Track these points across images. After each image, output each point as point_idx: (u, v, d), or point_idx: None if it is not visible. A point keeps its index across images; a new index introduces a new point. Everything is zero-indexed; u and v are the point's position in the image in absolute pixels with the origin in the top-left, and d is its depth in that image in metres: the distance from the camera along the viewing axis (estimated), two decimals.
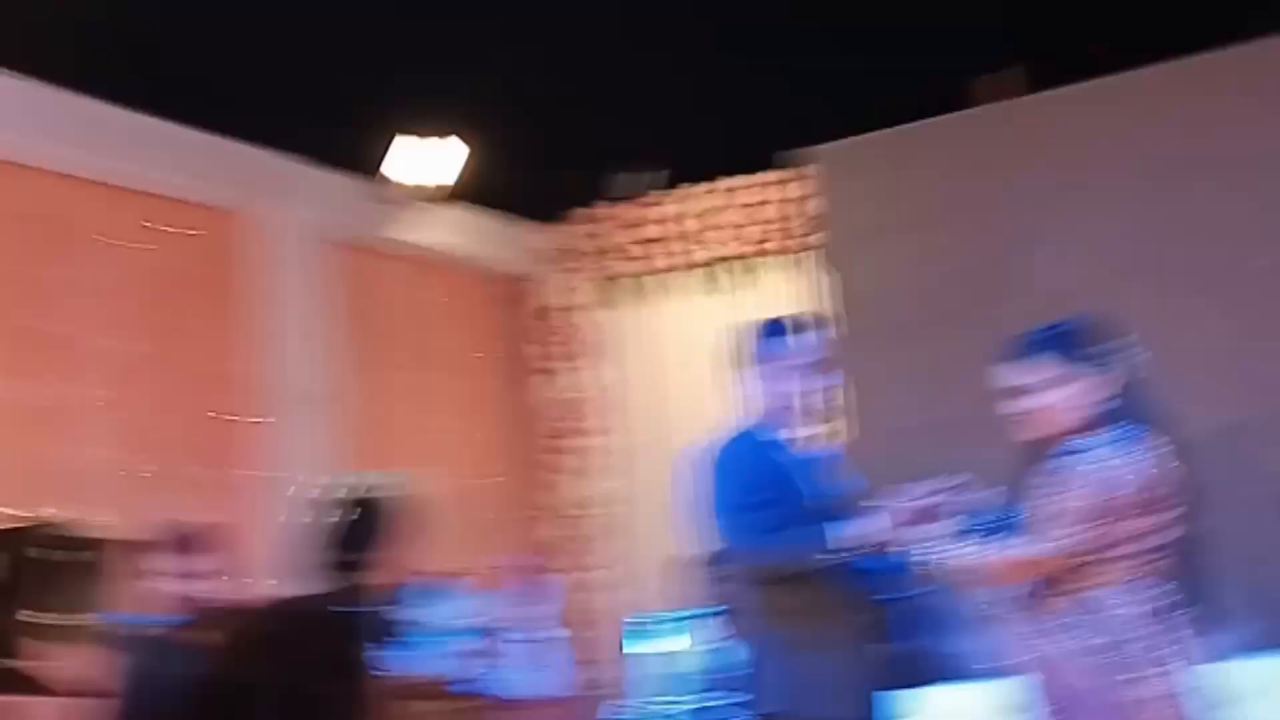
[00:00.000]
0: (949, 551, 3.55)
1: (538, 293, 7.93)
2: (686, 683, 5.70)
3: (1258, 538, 5.65)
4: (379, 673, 1.30)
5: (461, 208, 7.48)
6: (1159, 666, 3.48)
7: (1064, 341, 3.62)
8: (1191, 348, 5.99)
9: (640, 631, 6.07)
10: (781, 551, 3.74)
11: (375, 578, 1.49)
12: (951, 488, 3.68)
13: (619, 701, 5.79)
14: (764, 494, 3.77)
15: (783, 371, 3.90)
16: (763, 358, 3.94)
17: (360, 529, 1.49)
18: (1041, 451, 3.68)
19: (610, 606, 7.57)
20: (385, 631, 1.44)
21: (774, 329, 3.98)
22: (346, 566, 1.50)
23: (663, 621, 6.09)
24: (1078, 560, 3.47)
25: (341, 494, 1.52)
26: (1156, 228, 6.21)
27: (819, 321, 4.04)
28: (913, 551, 3.63)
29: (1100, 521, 3.45)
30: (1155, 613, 3.53)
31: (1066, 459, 3.58)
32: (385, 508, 1.49)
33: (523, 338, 7.94)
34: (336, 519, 1.52)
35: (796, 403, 3.91)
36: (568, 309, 7.87)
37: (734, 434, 4.04)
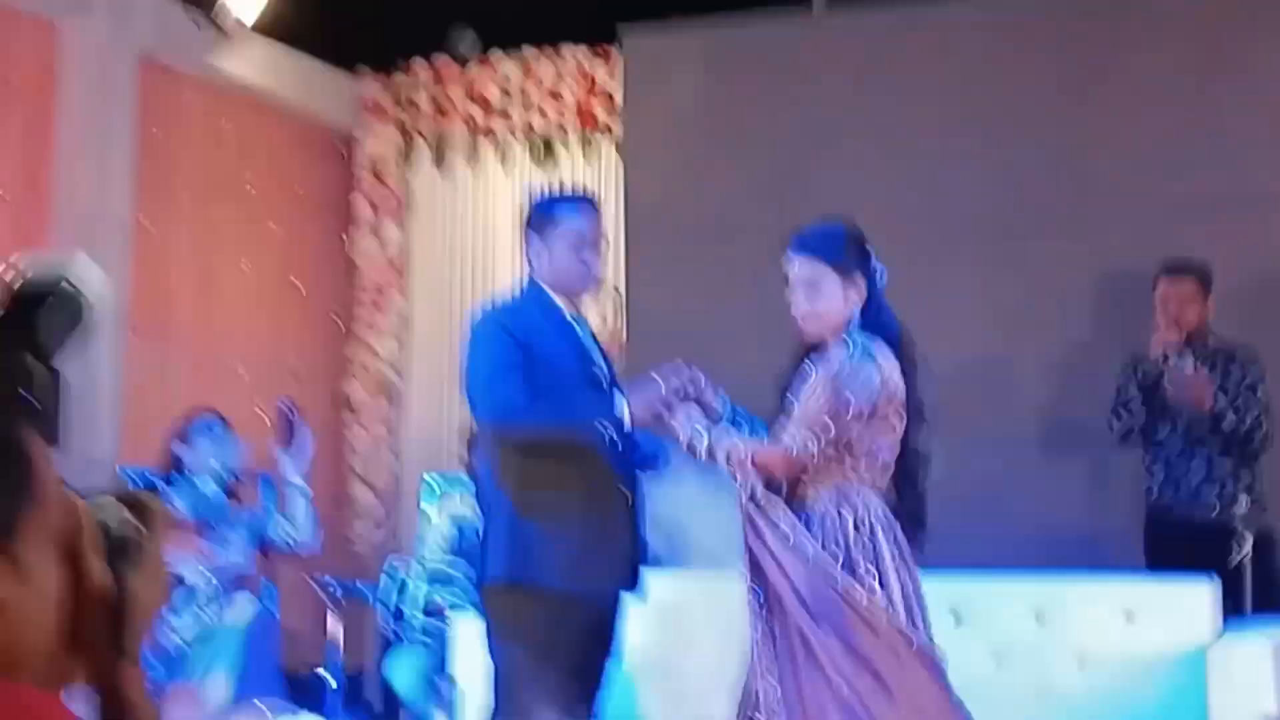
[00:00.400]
0: (706, 435, 3.66)
1: (356, 146, 7.81)
2: (453, 547, 5.76)
3: (1000, 469, 5.90)
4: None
5: (286, 50, 7.31)
6: (876, 575, 3.64)
7: (830, 245, 3.72)
8: (957, 281, 6.19)
9: (428, 493, 6.11)
10: (531, 421, 3.79)
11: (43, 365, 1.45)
12: (696, 378, 3.78)
13: (396, 559, 5.83)
14: (518, 364, 3.81)
15: (559, 242, 3.94)
16: (540, 226, 3.98)
17: (36, 313, 1.45)
18: (804, 353, 3.80)
19: (402, 467, 7.63)
20: (53, 429, 1.42)
21: (553, 200, 4.02)
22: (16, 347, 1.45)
23: (446, 486, 6.15)
24: (813, 461, 3.59)
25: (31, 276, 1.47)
26: (953, 154, 6.34)
27: (595, 201, 4.08)
28: (671, 430, 3.72)
29: (837, 425, 3.58)
30: (875, 522, 3.69)
31: (817, 361, 3.70)
32: (63, 297, 1.46)
33: (339, 190, 7.84)
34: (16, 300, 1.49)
35: (572, 275, 3.95)
36: (382, 165, 7.77)
37: (493, 305, 4.08)
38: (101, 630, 1.34)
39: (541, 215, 4.01)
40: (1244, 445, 5.38)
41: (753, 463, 3.62)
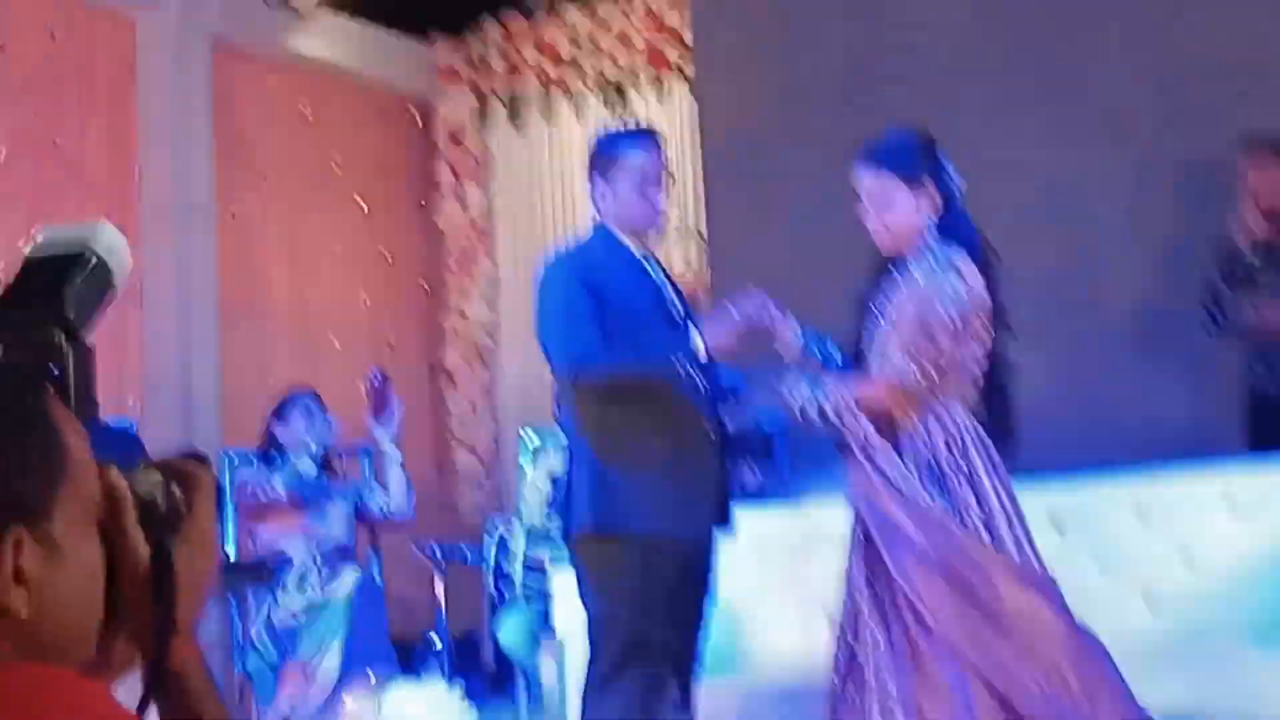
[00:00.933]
0: (815, 400, 3.54)
1: (433, 112, 7.80)
2: (550, 502, 5.74)
3: (1089, 365, 5.72)
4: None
5: (357, 23, 7.32)
6: (973, 495, 3.53)
7: (897, 156, 3.60)
8: (1039, 176, 6.00)
9: (525, 451, 6.12)
10: (606, 365, 3.72)
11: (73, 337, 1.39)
12: (767, 304, 3.67)
13: (497, 519, 5.83)
14: (588, 309, 3.75)
15: (621, 180, 3.86)
16: (602, 166, 3.90)
17: (53, 281, 1.39)
18: (886, 269, 3.69)
19: (500, 429, 7.64)
20: (90, 404, 1.36)
21: (612, 138, 3.95)
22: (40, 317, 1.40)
23: (541, 442, 6.15)
24: (920, 386, 3.48)
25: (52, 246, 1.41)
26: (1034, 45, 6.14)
27: (656, 134, 3.99)
28: (781, 399, 3.60)
29: (934, 344, 3.47)
30: (966, 437, 3.58)
31: (900, 275, 3.59)
32: (86, 264, 1.39)
33: (421, 158, 7.84)
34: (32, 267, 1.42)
35: (636, 212, 3.87)
36: (459, 129, 7.75)
37: (561, 251, 4.03)
38: (147, 607, 1.28)
39: (602, 155, 3.94)
40: None
41: (859, 406, 3.52)
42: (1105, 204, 5.93)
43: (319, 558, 5.28)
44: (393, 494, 5.32)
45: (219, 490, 1.39)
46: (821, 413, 3.51)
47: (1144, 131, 5.83)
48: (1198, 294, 5.19)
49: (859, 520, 3.57)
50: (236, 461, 5.55)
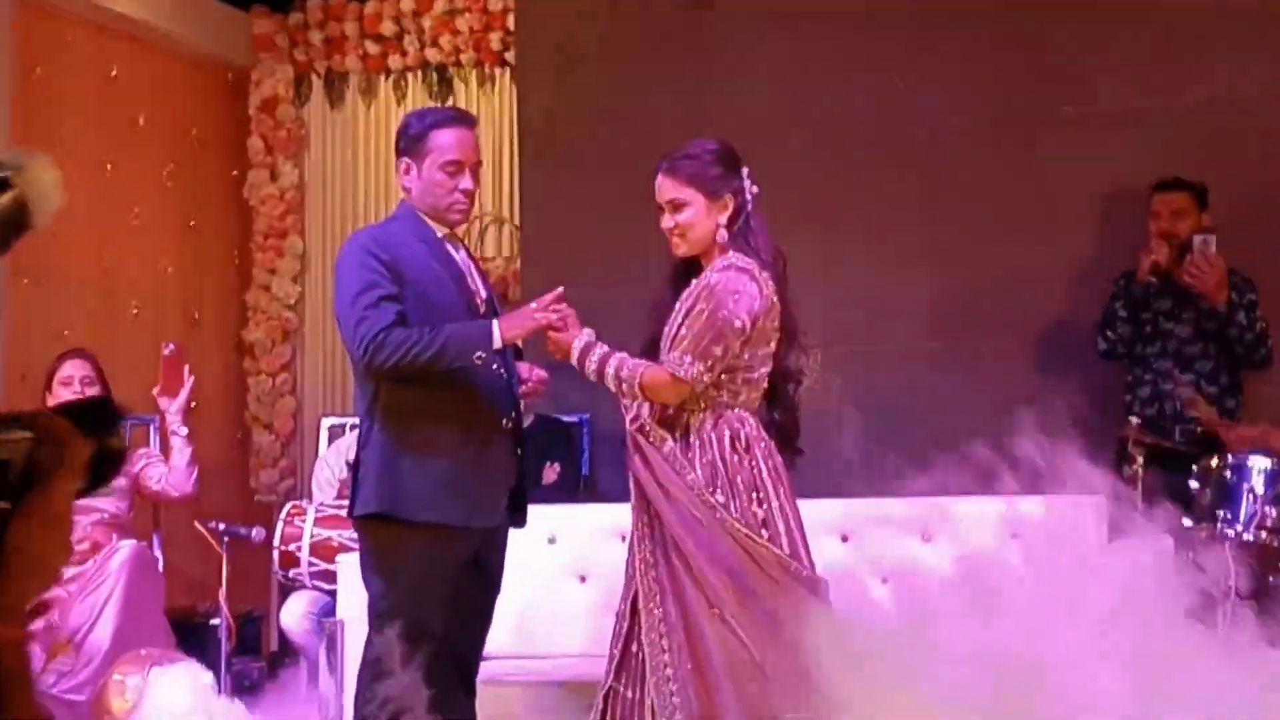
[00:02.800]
0: (597, 351, 3.61)
1: (254, 84, 7.63)
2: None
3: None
4: None
5: None
6: (756, 499, 3.60)
7: (693, 165, 3.70)
8: (850, 206, 6.13)
9: (336, 434, 6.04)
10: (401, 349, 3.67)
11: None
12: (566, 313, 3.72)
13: (292, 503, 5.72)
14: (385, 289, 3.70)
15: (427, 161, 3.82)
16: (410, 148, 3.86)
17: None
18: (685, 273, 3.79)
19: (303, 410, 7.52)
20: None
21: (420, 119, 3.90)
22: None
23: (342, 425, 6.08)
24: (701, 385, 3.56)
25: None
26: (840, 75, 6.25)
27: (471, 119, 3.96)
28: (562, 344, 3.67)
29: (722, 347, 3.55)
30: (753, 443, 3.65)
31: (696, 279, 3.68)
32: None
33: (235, 130, 7.66)
34: None
35: (441, 194, 3.83)
36: (276, 103, 7.60)
37: (361, 231, 3.98)
38: None
39: (411, 135, 3.89)
40: (1251, 352, 5.41)
41: (640, 385, 3.58)
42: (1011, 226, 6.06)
43: (88, 527, 5.14)
44: (174, 470, 5.21)
45: (106, 459, 1.20)
46: (600, 369, 3.61)
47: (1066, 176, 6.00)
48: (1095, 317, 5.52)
49: (639, 504, 3.64)
50: None
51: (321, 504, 5.53)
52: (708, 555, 3.53)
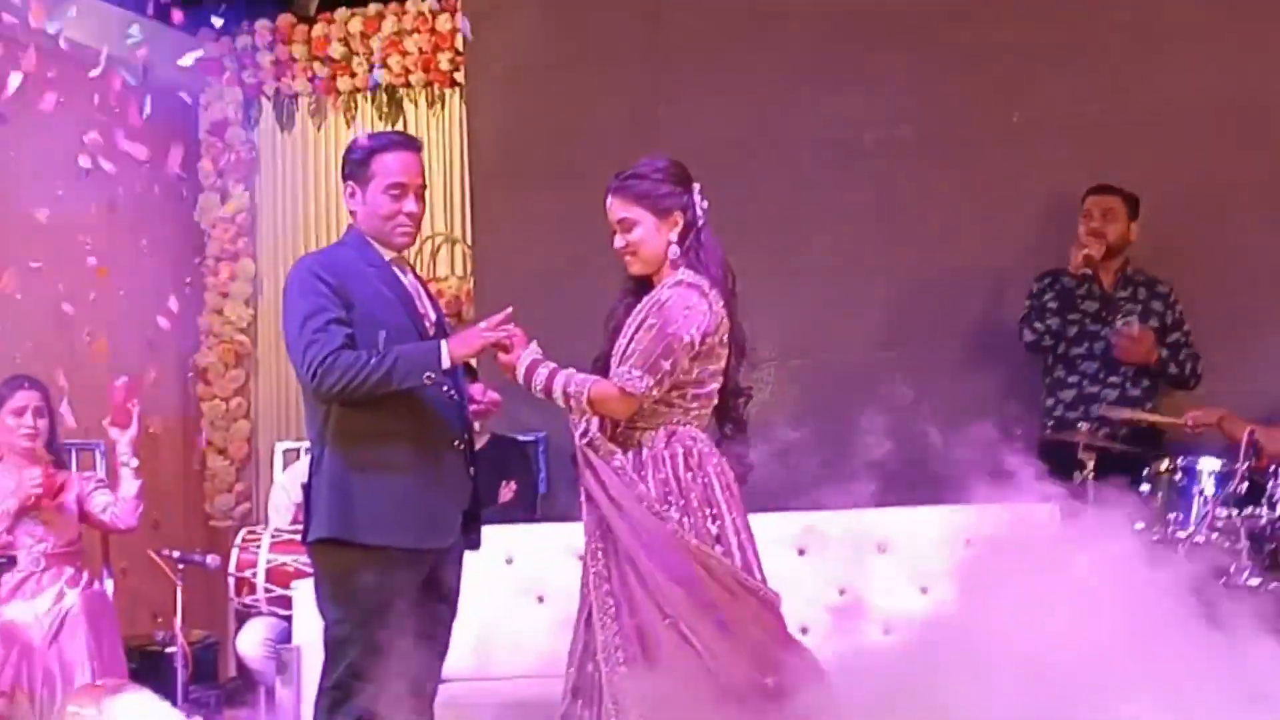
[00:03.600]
0: (545, 368, 3.62)
1: (203, 107, 7.61)
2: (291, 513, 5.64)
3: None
4: None
5: (122, 12, 7.07)
6: (709, 514, 3.61)
7: (643, 184, 3.72)
8: (803, 218, 6.16)
9: (291, 459, 6.01)
10: (349, 372, 3.66)
11: None
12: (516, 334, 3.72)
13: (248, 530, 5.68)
14: (332, 312, 3.69)
15: (372, 185, 3.82)
16: (355, 172, 3.86)
17: None
18: (637, 290, 3.80)
19: (258, 435, 7.48)
20: None
21: (366, 144, 3.89)
22: None
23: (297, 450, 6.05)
24: (650, 399, 3.57)
25: None
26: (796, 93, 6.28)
27: (414, 143, 3.96)
28: (507, 364, 3.68)
29: (670, 362, 3.56)
30: (705, 458, 3.66)
31: (645, 298, 3.69)
32: None
33: (184, 153, 7.62)
34: None
35: (386, 218, 3.83)
36: (225, 127, 7.57)
37: (309, 255, 3.97)
38: None
39: (356, 159, 3.88)
40: (1179, 384, 5.58)
41: (588, 399, 3.58)
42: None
43: (43, 560, 5.10)
44: (121, 502, 5.17)
45: None
46: (548, 385, 3.62)
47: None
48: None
49: (591, 518, 3.66)
50: None
51: (277, 529, 5.50)
52: (660, 566, 3.55)
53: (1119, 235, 5.53)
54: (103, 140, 7.08)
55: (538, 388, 3.65)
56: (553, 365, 3.67)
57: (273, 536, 5.34)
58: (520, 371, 3.67)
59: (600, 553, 3.64)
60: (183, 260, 7.62)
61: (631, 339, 3.66)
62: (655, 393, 3.59)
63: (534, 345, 3.73)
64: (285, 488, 5.77)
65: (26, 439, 5.23)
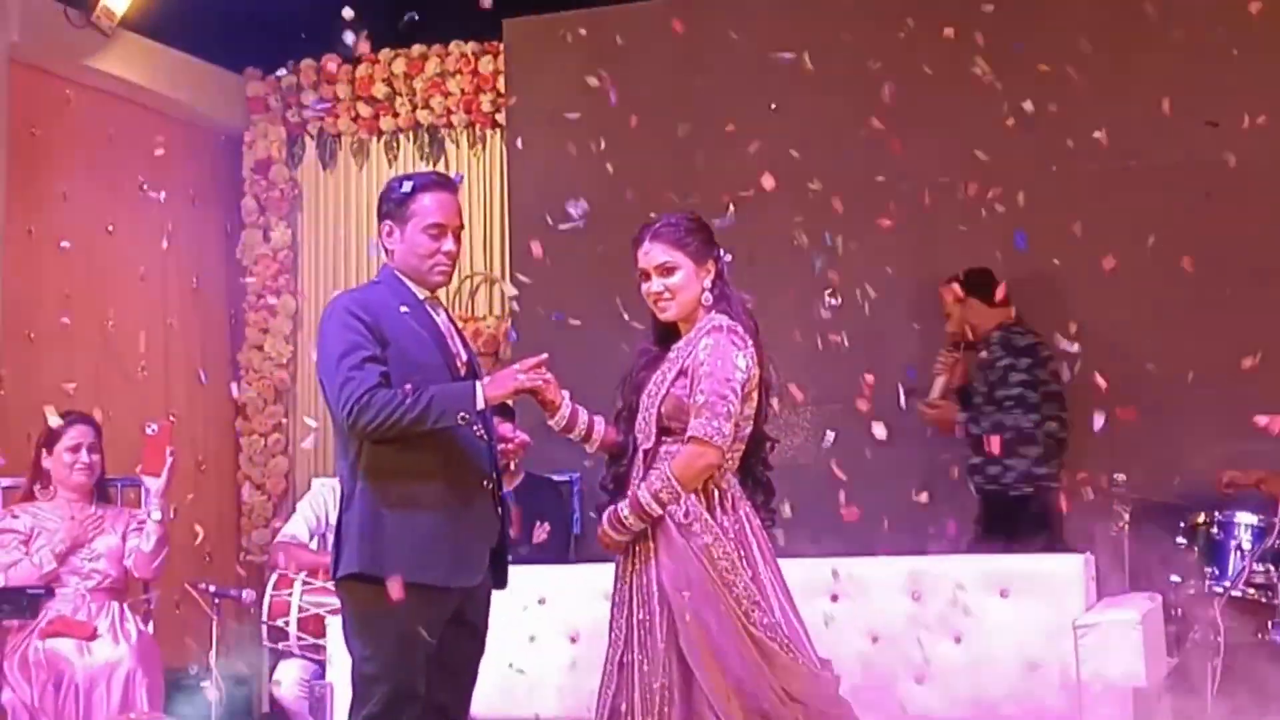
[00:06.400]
0: (630, 514, 3.66)
1: (247, 145, 7.70)
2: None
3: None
4: None
5: (170, 50, 7.19)
6: (748, 568, 3.63)
7: (680, 231, 3.76)
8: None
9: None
10: (383, 410, 3.68)
11: None
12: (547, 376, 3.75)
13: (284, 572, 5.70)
14: (368, 350, 3.72)
15: (410, 224, 3.85)
16: (392, 211, 3.89)
17: None
18: (659, 340, 3.83)
19: (295, 471, 7.52)
20: None
21: (403, 182, 3.92)
22: None
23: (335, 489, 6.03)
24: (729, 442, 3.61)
25: None
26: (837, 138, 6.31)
27: (452, 183, 3.99)
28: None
29: (735, 403, 3.59)
30: (739, 501, 3.69)
31: (686, 342, 3.71)
32: None
33: (229, 191, 7.72)
34: None
35: (422, 257, 3.86)
36: (269, 165, 7.66)
37: (344, 294, 4.00)
38: None
39: (394, 198, 3.91)
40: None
41: (678, 480, 3.62)
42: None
43: (88, 595, 5.15)
44: (139, 553, 5.20)
45: None
46: (644, 515, 3.65)
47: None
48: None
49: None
50: None
51: (293, 535, 5.54)
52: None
53: (966, 317, 5.89)
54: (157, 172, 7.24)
55: (632, 524, 3.65)
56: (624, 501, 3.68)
57: (304, 583, 5.33)
58: (612, 535, 3.68)
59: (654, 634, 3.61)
60: (226, 294, 7.71)
61: (669, 387, 3.68)
62: (731, 438, 3.60)
63: (566, 397, 3.78)
64: (305, 513, 5.77)
65: (83, 475, 5.28)
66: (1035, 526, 5.35)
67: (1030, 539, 5.14)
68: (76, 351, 6.79)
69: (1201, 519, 5.01)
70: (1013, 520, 5.43)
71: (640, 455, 3.74)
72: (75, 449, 5.27)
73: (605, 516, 3.71)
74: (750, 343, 3.72)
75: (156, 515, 5.17)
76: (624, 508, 3.65)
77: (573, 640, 4.88)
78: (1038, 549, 4.94)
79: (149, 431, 5.21)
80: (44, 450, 5.31)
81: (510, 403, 4.65)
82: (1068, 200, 6.09)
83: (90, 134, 7.04)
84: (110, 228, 7.04)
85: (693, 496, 3.62)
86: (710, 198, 5.46)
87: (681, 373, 3.70)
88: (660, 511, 3.61)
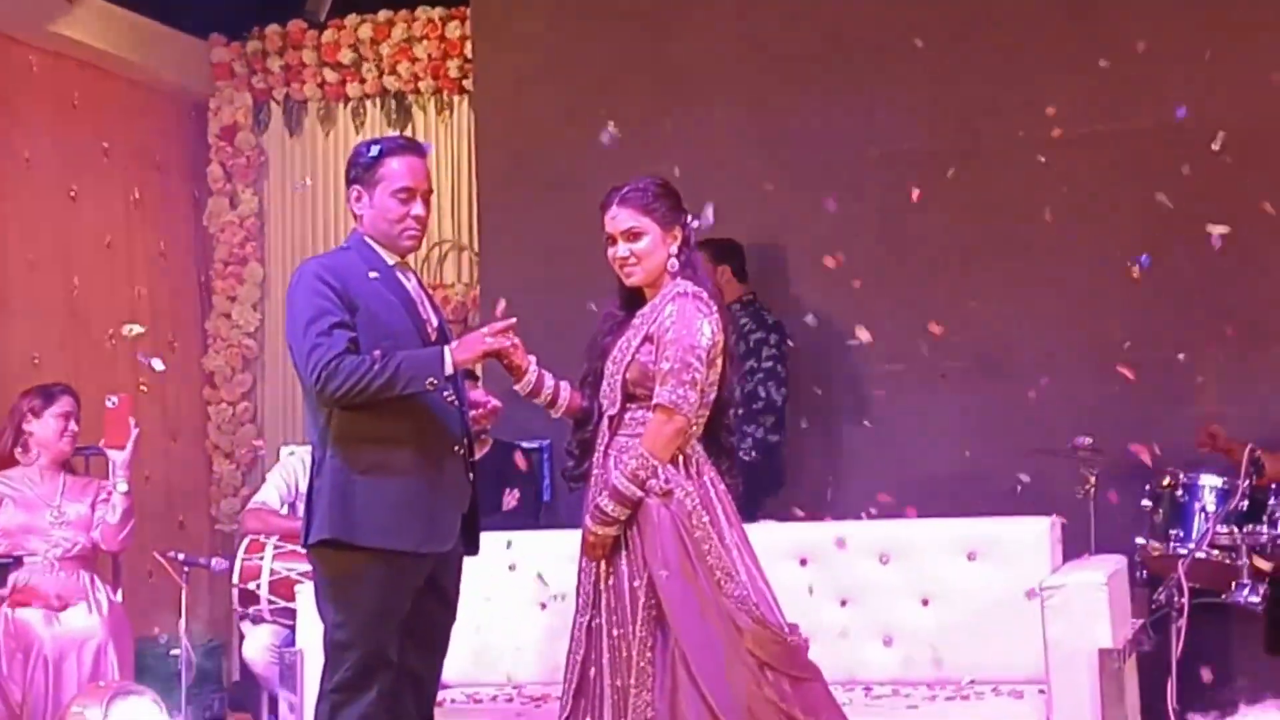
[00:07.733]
0: (614, 504, 3.63)
1: (213, 111, 7.65)
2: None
3: None
4: None
5: (134, 16, 7.12)
6: (714, 521, 3.64)
7: (648, 197, 3.75)
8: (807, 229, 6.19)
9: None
10: (353, 376, 3.68)
11: None
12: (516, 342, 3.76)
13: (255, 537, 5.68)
14: (337, 316, 3.71)
15: (378, 189, 3.84)
16: (361, 176, 3.88)
17: None
18: (629, 305, 3.83)
19: (264, 439, 7.50)
20: None
21: (371, 147, 3.91)
22: None
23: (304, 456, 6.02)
24: (694, 409, 3.61)
25: None
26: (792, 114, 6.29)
27: (421, 147, 3.97)
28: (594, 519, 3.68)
29: (700, 369, 3.59)
30: (703, 466, 3.70)
31: (652, 308, 3.71)
32: None
33: (195, 157, 7.66)
34: None
35: (391, 222, 3.84)
36: (235, 131, 7.61)
37: (312, 259, 3.99)
38: None
39: (361, 164, 3.90)
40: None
41: (652, 454, 3.62)
42: None
43: (56, 564, 5.13)
44: (105, 525, 5.18)
45: None
46: (629, 496, 3.61)
47: None
48: None
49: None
50: None
51: (264, 502, 5.53)
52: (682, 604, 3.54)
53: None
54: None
55: (614, 511, 3.62)
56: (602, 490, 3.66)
57: (275, 547, 5.33)
58: (596, 536, 3.66)
59: (647, 618, 3.60)
60: (193, 261, 7.66)
61: (634, 354, 3.68)
62: (696, 404, 3.60)
63: (532, 362, 3.78)
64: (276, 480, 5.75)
65: (69, 444, 5.27)
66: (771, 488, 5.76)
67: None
68: (43, 318, 6.74)
69: (1167, 481, 5.06)
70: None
71: (606, 421, 3.74)
72: (65, 416, 5.26)
73: (587, 515, 3.69)
74: (715, 309, 3.72)
75: (123, 488, 5.14)
76: (603, 498, 3.64)
77: (543, 606, 4.89)
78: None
79: (109, 404, 5.17)
80: (30, 415, 5.26)
81: (476, 368, 4.65)
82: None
83: (54, 100, 6.97)
84: (73, 192, 6.98)
85: (669, 465, 3.63)
86: (682, 158, 5.43)
87: (647, 339, 3.70)
88: (640, 493, 3.60)
